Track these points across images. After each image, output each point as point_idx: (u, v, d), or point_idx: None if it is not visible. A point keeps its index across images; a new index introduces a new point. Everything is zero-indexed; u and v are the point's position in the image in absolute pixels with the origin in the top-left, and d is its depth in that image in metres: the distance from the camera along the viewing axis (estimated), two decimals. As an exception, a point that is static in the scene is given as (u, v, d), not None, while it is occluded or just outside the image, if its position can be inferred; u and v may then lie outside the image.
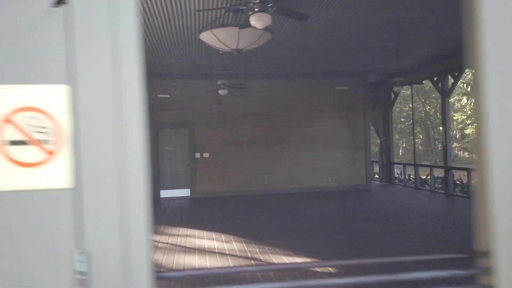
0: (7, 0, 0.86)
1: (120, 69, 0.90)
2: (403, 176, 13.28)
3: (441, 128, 29.92)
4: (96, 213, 0.89)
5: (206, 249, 5.82)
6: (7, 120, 0.86)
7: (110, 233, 0.90)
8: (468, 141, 22.77)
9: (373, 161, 13.45)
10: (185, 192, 11.68)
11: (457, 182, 11.22)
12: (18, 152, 0.87)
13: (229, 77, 10.01)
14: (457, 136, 25.69)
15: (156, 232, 7.10)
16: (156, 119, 11.37)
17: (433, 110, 27.92)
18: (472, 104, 17.21)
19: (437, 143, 29.36)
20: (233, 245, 6.01)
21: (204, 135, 11.66)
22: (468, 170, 10.05)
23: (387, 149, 13.42)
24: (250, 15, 4.20)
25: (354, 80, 12.33)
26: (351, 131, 12.38)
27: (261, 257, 5.35)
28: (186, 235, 6.77)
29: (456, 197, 10.14)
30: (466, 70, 11.47)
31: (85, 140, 0.89)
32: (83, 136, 0.89)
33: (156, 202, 11.00)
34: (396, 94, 13.12)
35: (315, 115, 12.20)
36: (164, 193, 11.55)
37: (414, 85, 12.71)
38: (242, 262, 5.14)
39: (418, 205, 9.48)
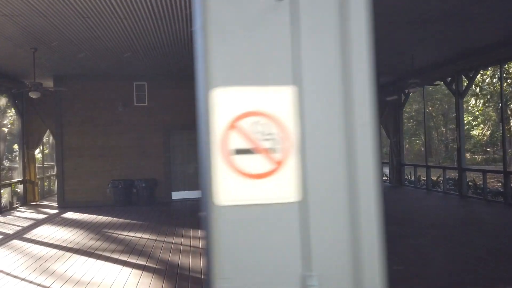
0: None
1: (349, 68, 0.79)
2: (413, 178, 13.23)
3: (444, 129, 29.78)
4: (324, 230, 0.79)
5: (231, 253, 5.73)
6: (232, 127, 0.77)
7: (340, 254, 0.79)
8: (474, 142, 22.73)
9: (382, 163, 13.40)
10: (196, 194, 11.57)
11: (470, 183, 11.17)
12: (244, 162, 0.78)
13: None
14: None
15: (175, 234, 7.02)
16: (166, 120, 11.30)
17: (436, 111, 27.89)
18: (481, 105, 17.18)
19: (439, 144, 29.33)
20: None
21: (216, 136, 11.55)
22: (483, 171, 9.99)
23: (397, 150, 13.37)
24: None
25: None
26: (362, 132, 12.31)
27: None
28: (207, 238, 6.69)
29: (471, 198, 10.09)
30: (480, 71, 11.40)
31: (312, 147, 0.79)
32: (310, 143, 0.79)
33: (168, 203, 10.92)
34: (407, 95, 13.07)
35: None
36: (175, 195, 11.46)
37: (424, 87, 12.64)
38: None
39: (448, 210, 9.24)
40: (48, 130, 12.30)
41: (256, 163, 0.78)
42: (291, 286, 0.78)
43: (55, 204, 11.06)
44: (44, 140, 15.06)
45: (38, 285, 4.61)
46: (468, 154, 25.99)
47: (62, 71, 10.38)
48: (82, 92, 10.94)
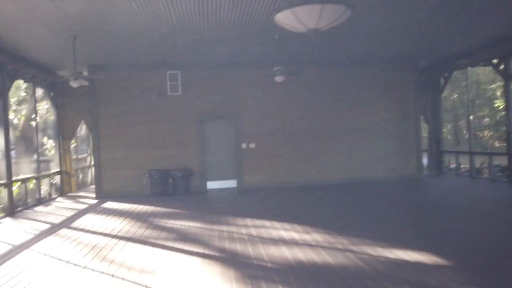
0: None
1: None
2: (453, 165, 12.75)
3: (473, 114, 28.92)
4: None
5: (289, 241, 5.52)
6: None
7: None
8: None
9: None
10: (231, 183, 11.41)
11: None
12: None
13: (272, 65, 9.51)
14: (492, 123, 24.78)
15: (223, 222, 6.85)
16: (200, 109, 11.12)
17: (462, 98, 27.06)
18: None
19: (465, 131, 28.51)
20: (315, 236, 5.70)
21: (250, 125, 11.35)
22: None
23: (436, 137, 12.89)
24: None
25: (404, 66, 11.81)
26: (401, 119, 11.90)
27: (354, 248, 5.02)
28: (258, 226, 6.49)
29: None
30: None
31: None
32: None
33: (203, 193, 10.79)
34: (447, 79, 12.55)
35: (364, 103, 11.76)
36: (210, 185, 11.31)
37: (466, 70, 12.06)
38: (338, 254, 4.82)
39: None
40: (82, 121, 12.29)
41: None
42: None
43: (92, 195, 11.07)
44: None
45: (102, 272, 4.50)
46: (497, 143, 25.09)
47: (97, 60, 10.29)
48: (116, 82, 10.85)
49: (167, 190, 10.64)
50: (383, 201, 8.61)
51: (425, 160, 13.11)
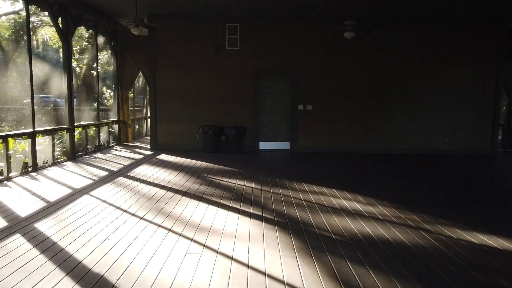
0: None
1: None
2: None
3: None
4: None
5: (353, 212, 5.10)
6: None
7: None
8: None
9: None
10: (284, 145, 11.04)
11: None
12: None
13: (337, 21, 8.64)
14: None
15: (279, 185, 6.55)
16: (257, 66, 10.63)
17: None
18: None
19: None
20: (382, 209, 5.22)
21: (309, 85, 10.72)
22: None
23: (516, 111, 11.49)
24: None
25: (488, 27, 10.39)
26: (479, 87, 10.66)
27: (429, 227, 4.50)
28: (316, 192, 6.11)
29: None
30: None
31: None
32: None
33: (256, 153, 10.54)
34: (540, 45, 10.91)
35: (436, 67, 10.61)
36: (263, 145, 11.03)
37: None
38: (411, 232, 4.34)
39: None
40: (140, 73, 12.32)
41: None
42: None
43: (147, 146, 11.25)
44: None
45: (159, 225, 4.39)
46: None
47: (158, 9, 9.99)
48: (175, 34, 10.58)
49: (219, 147, 10.51)
50: (457, 177, 7.83)
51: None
